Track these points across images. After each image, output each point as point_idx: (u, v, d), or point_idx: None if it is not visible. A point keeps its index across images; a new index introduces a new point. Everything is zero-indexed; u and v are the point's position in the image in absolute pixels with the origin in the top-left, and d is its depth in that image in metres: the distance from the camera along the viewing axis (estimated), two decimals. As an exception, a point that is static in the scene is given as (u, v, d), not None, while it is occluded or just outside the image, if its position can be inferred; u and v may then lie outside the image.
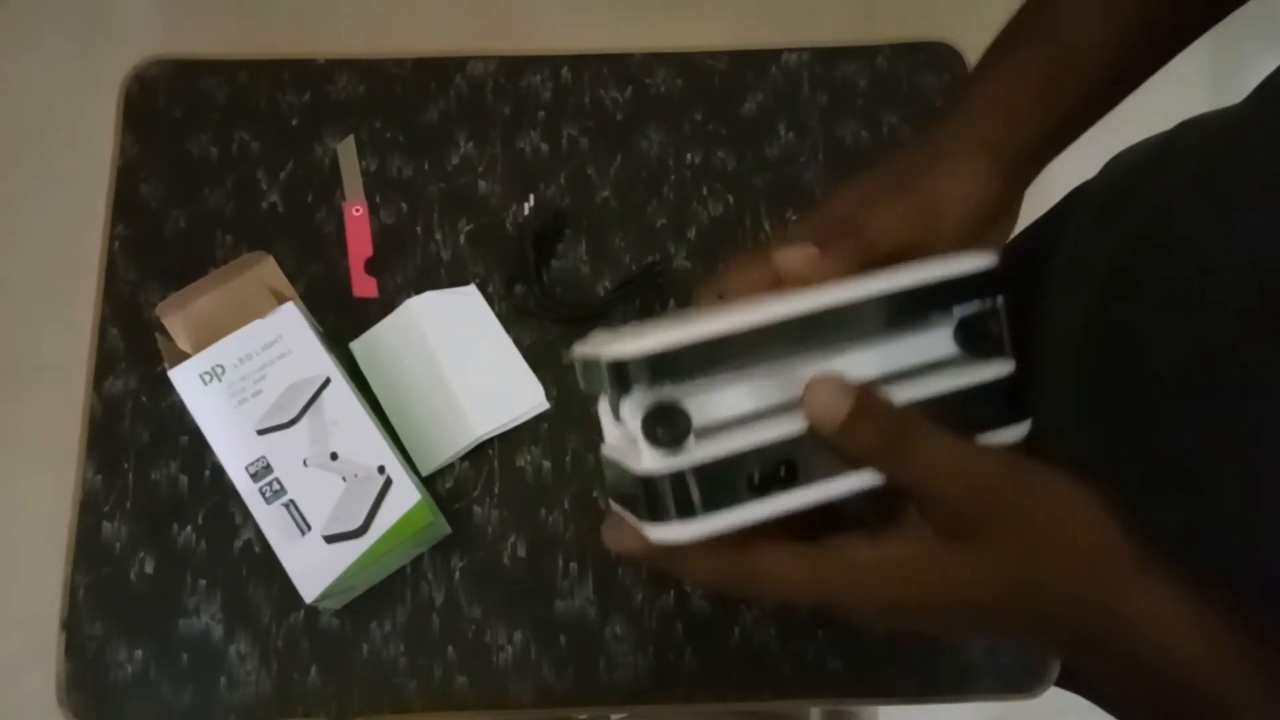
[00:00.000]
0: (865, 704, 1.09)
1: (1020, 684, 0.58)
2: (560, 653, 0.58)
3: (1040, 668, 0.58)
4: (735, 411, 0.32)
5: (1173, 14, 0.43)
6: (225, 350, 0.55)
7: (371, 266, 0.64)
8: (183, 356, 0.55)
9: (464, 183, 0.66)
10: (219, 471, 0.58)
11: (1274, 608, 0.30)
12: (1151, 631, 0.31)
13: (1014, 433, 0.34)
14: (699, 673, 0.57)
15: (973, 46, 0.69)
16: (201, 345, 0.55)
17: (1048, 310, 0.57)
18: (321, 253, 0.64)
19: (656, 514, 0.30)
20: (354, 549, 0.52)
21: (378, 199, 0.65)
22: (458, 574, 0.59)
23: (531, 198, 0.65)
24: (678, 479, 0.30)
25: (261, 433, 0.53)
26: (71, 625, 0.57)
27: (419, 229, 0.65)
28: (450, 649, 0.58)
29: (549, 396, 0.61)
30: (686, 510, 0.30)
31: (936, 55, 0.69)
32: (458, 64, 0.68)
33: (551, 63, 0.69)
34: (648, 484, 0.30)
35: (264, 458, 0.53)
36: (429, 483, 0.60)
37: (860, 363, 0.33)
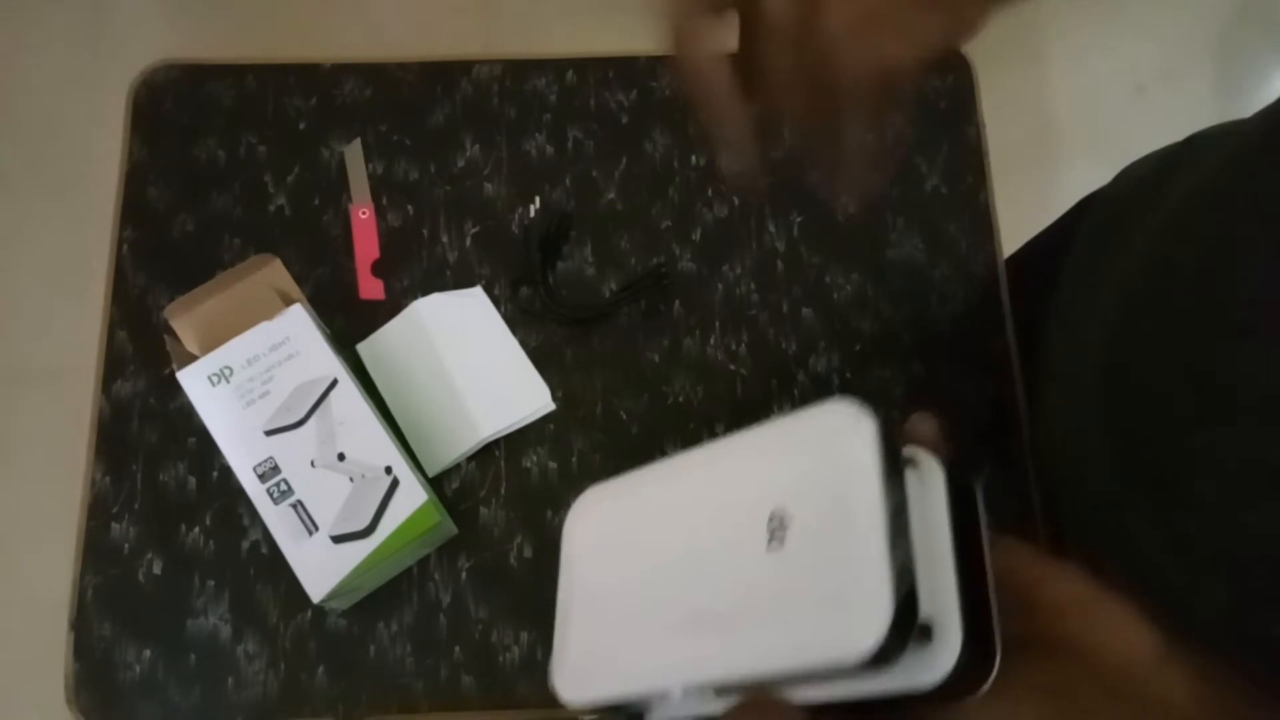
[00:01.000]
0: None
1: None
2: (566, 653, 0.58)
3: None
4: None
5: None
6: (233, 352, 0.55)
7: (378, 269, 0.64)
8: (191, 358, 0.55)
9: (470, 185, 0.66)
10: (227, 472, 0.58)
11: None
12: None
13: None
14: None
15: (974, 50, 0.70)
16: (209, 347, 0.55)
17: (1060, 326, 0.57)
18: (328, 255, 0.64)
19: None
20: (361, 549, 0.52)
21: (384, 202, 0.65)
22: (464, 574, 0.59)
23: (537, 200, 0.66)
24: None
25: (269, 434, 0.54)
26: (80, 626, 0.58)
27: (425, 231, 0.65)
28: (457, 649, 0.58)
29: (555, 397, 0.61)
30: None
31: (941, 58, 0.69)
32: (463, 67, 0.69)
33: (556, 66, 0.69)
34: None
35: (271, 458, 0.53)
36: (435, 483, 0.60)
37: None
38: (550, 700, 0.57)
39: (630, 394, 0.62)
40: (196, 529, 0.59)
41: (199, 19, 1.61)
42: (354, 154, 0.66)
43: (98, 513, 0.59)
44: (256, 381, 0.54)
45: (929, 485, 0.28)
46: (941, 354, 0.64)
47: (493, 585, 0.59)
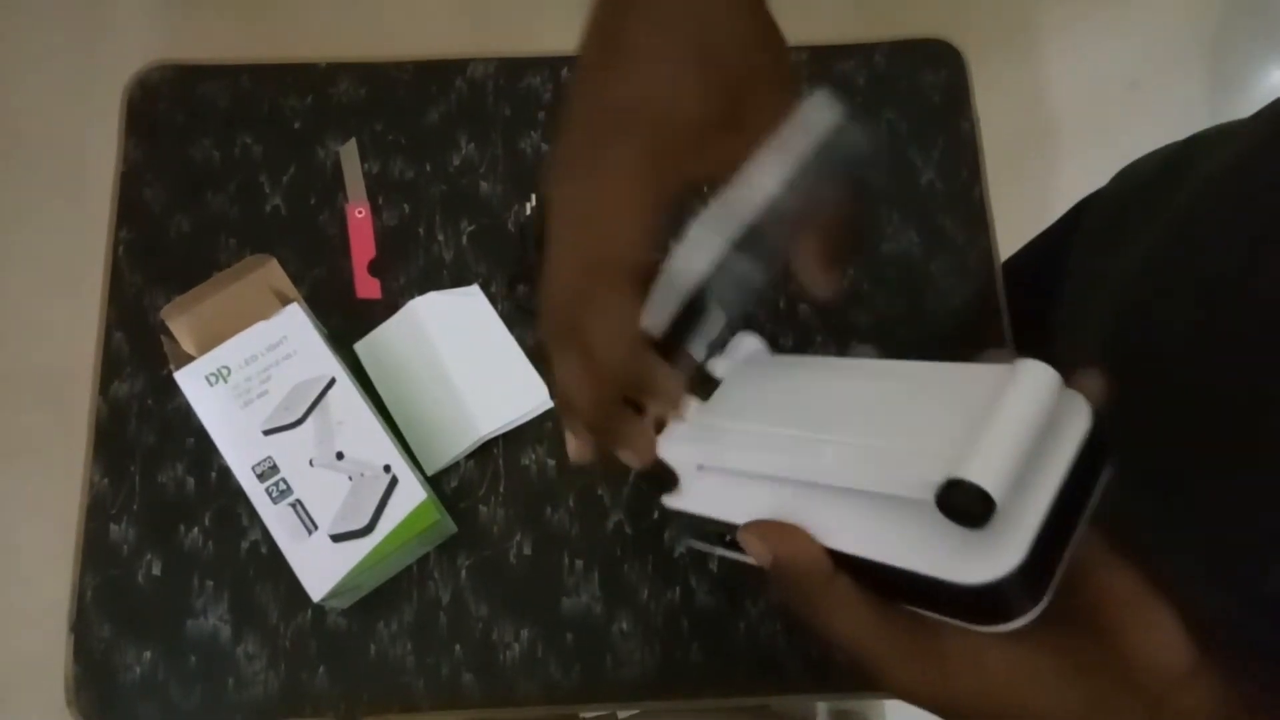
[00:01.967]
0: (872, 699, 1.09)
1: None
2: (567, 650, 0.58)
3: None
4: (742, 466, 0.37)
5: None
6: (230, 352, 0.55)
7: (374, 268, 0.64)
8: (188, 359, 0.55)
9: (466, 184, 0.66)
10: (225, 472, 0.58)
11: None
12: None
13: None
14: (705, 669, 0.58)
15: (969, 44, 0.70)
16: (207, 347, 0.55)
17: (1059, 327, 0.57)
18: (325, 255, 0.64)
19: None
20: (360, 548, 0.52)
21: (380, 201, 0.65)
22: (464, 572, 0.59)
23: (533, 198, 0.66)
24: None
25: (267, 433, 0.54)
26: (80, 627, 0.58)
27: (421, 230, 0.65)
28: (457, 647, 0.58)
29: (552, 395, 0.61)
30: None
31: (935, 53, 0.70)
32: (458, 66, 0.69)
33: (551, 64, 0.69)
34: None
35: (270, 458, 0.53)
36: (434, 482, 0.60)
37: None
38: (551, 698, 0.58)
39: (628, 391, 0.62)
40: (196, 529, 0.59)
41: (193, 19, 1.61)
42: (349, 153, 0.66)
43: (96, 514, 0.59)
44: (254, 381, 0.55)
45: (1072, 423, 0.29)
46: (937, 348, 0.64)
47: (492, 583, 0.59)
